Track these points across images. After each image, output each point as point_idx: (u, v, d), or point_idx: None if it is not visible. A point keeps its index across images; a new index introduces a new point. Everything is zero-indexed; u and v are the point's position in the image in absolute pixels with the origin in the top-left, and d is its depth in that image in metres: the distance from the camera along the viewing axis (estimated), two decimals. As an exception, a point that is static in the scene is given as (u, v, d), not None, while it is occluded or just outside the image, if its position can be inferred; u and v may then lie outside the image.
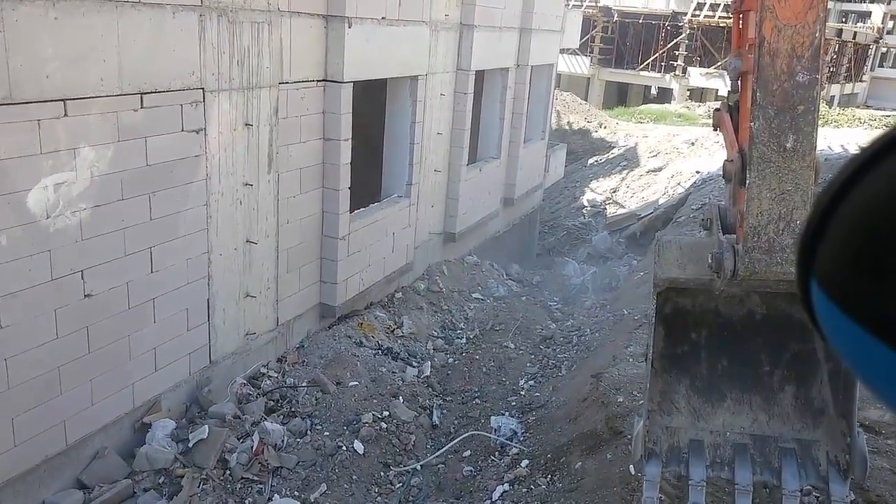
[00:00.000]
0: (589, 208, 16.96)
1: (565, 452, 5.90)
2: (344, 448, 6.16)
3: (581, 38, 20.92)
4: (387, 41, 7.77)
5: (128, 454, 5.62)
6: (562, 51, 14.45)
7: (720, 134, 4.24)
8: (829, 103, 31.15)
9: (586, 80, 34.27)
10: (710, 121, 4.49)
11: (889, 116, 26.69)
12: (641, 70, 33.00)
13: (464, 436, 6.72)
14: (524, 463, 6.11)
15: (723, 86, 28.36)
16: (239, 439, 5.90)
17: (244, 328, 6.76)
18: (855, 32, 36.81)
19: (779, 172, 3.09)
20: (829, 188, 0.52)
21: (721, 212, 3.88)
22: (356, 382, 7.02)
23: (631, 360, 6.98)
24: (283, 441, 6.08)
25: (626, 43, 33.55)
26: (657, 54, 32.37)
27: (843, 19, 41.43)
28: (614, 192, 17.26)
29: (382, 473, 6.14)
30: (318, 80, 7.10)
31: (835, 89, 34.45)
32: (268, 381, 6.83)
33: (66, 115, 4.70)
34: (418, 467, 6.31)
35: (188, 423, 5.99)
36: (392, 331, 8.54)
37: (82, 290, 5.05)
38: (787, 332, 3.78)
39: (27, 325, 4.71)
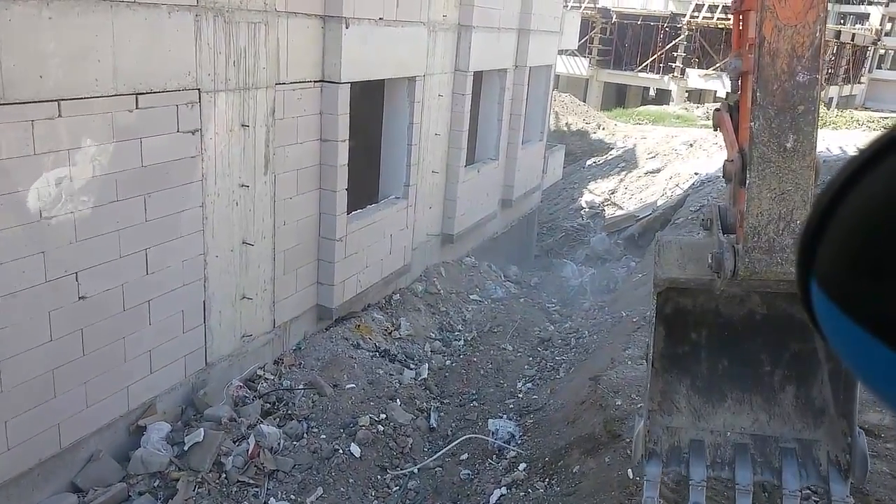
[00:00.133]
0: (587, 210, 16.94)
1: (563, 456, 5.87)
2: (340, 451, 6.12)
3: (579, 40, 20.91)
4: (384, 42, 7.74)
5: (123, 457, 5.59)
6: (560, 52, 14.44)
7: (720, 134, 4.22)
8: (828, 105, 31.18)
9: (585, 81, 34.28)
10: (709, 122, 4.48)
11: (887, 118, 26.71)
12: (640, 71, 33.02)
13: (461, 439, 6.68)
14: (522, 466, 6.07)
15: (721, 87, 28.41)
16: (235, 442, 5.86)
17: (240, 330, 6.72)
18: (853, 34, 36.84)
19: (779, 172, 3.09)
20: (828, 189, 0.52)
21: (721, 212, 3.87)
22: (353, 385, 6.98)
23: (629, 362, 6.95)
24: (279, 444, 6.04)
25: (624, 44, 33.57)
26: (655, 56, 32.38)
27: (842, 21, 41.47)
28: (613, 193, 17.24)
29: (379, 477, 6.10)
30: (315, 81, 7.07)
31: (833, 91, 34.48)
32: (264, 384, 6.79)
33: (60, 115, 4.66)
34: (415, 471, 6.28)
35: (184, 426, 5.95)
36: (389, 333, 8.51)
37: (77, 292, 5.01)
38: (788, 331, 3.78)
39: (21, 327, 4.68)
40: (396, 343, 8.36)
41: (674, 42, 31.83)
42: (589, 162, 19.60)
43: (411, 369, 7.89)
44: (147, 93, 5.24)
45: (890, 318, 0.48)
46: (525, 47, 11.70)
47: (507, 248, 13.16)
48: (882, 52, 43.26)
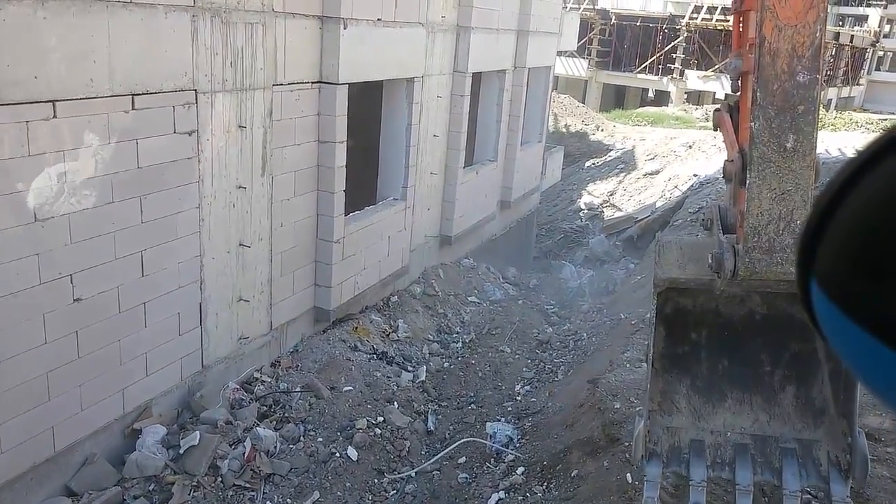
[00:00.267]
0: (586, 211, 16.93)
1: (561, 460, 5.83)
2: (337, 454, 6.08)
3: (578, 41, 20.90)
4: (382, 43, 7.72)
5: (118, 461, 5.54)
6: (559, 53, 14.42)
7: (720, 135, 4.22)
8: (826, 106, 31.20)
9: (584, 82, 34.30)
10: (708, 124, 4.48)
11: (886, 120, 26.73)
12: (639, 73, 33.04)
13: (459, 442, 6.65)
14: (520, 470, 6.03)
15: (720, 88, 28.44)
16: (231, 445, 5.82)
17: (237, 332, 6.69)
18: (852, 36, 36.89)
19: (779, 172, 3.10)
20: (828, 189, 0.53)
21: (721, 212, 3.88)
22: (350, 387, 6.94)
23: (628, 365, 6.91)
24: (275, 447, 6.00)
25: (623, 45, 33.59)
26: (654, 57, 32.40)
27: (841, 23, 41.50)
28: (611, 195, 17.23)
29: (376, 480, 6.06)
30: (312, 82, 7.04)
31: (832, 92, 34.51)
32: (261, 386, 6.75)
33: (55, 116, 4.63)
34: (413, 474, 6.23)
35: (179, 429, 5.91)
36: (387, 335, 8.47)
37: (71, 294, 4.97)
38: (788, 331, 3.80)
39: (15, 330, 4.64)
40: (394, 345, 8.33)
41: (673, 43, 31.85)
42: (588, 163, 19.59)
43: (409, 372, 7.85)
44: (143, 94, 5.21)
45: (890, 318, 0.48)
46: (524, 48, 11.68)
47: (505, 250, 13.13)
48: (881, 53, 43.32)
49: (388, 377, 7.47)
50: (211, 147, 5.91)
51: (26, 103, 4.43)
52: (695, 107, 28.97)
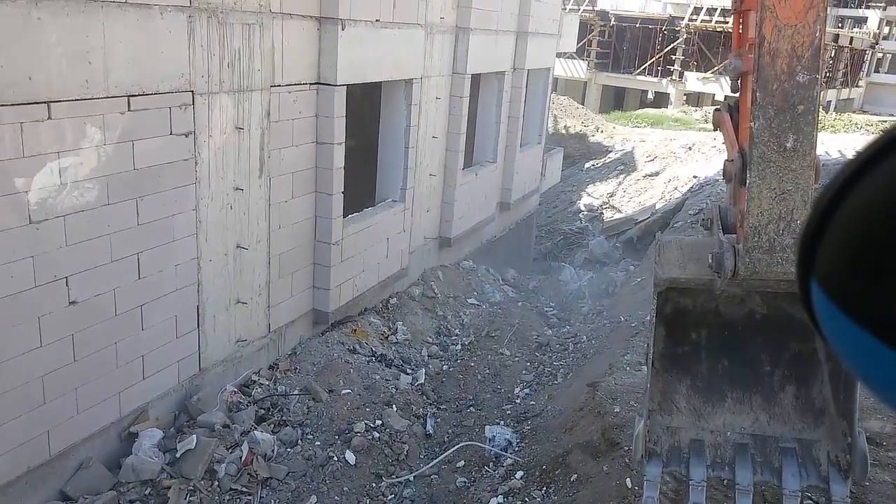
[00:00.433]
0: (586, 213, 16.90)
1: (561, 464, 5.78)
2: (335, 458, 6.04)
3: (578, 42, 20.88)
4: (381, 44, 7.69)
5: (113, 465, 5.50)
6: (558, 55, 14.40)
7: (719, 135, 4.21)
8: (826, 108, 31.20)
9: (583, 83, 34.32)
10: (707, 125, 4.47)
11: (885, 121, 26.72)
12: (638, 74, 33.06)
13: (458, 446, 6.60)
14: (519, 474, 5.99)
15: (719, 90, 28.46)
16: (228, 449, 5.78)
17: (235, 335, 6.65)
18: (851, 37, 36.90)
19: (779, 172, 3.09)
20: (828, 189, 0.53)
21: (721, 212, 3.87)
22: (349, 390, 6.90)
23: (628, 368, 6.88)
24: (273, 451, 5.96)
25: (622, 47, 33.61)
26: (654, 59, 32.41)
27: (840, 24, 41.51)
28: (611, 196, 17.21)
29: (374, 484, 6.02)
30: (310, 83, 7.01)
31: (831, 94, 34.52)
32: (259, 389, 6.72)
33: (49, 117, 4.59)
34: (411, 478, 6.19)
35: (176, 433, 5.86)
36: (386, 337, 8.44)
37: (67, 297, 4.93)
38: (788, 331, 3.80)
39: (9, 333, 4.60)
40: (393, 348, 8.29)
41: (672, 45, 31.86)
42: (587, 165, 19.57)
43: (408, 374, 7.81)
44: (139, 95, 5.17)
45: (890, 318, 0.48)
46: (523, 50, 11.67)
47: (505, 252, 13.10)
48: (880, 55, 43.35)
49: (387, 380, 7.43)
50: (208, 148, 5.88)
51: (20, 104, 4.39)
52: (694, 108, 28.96)
